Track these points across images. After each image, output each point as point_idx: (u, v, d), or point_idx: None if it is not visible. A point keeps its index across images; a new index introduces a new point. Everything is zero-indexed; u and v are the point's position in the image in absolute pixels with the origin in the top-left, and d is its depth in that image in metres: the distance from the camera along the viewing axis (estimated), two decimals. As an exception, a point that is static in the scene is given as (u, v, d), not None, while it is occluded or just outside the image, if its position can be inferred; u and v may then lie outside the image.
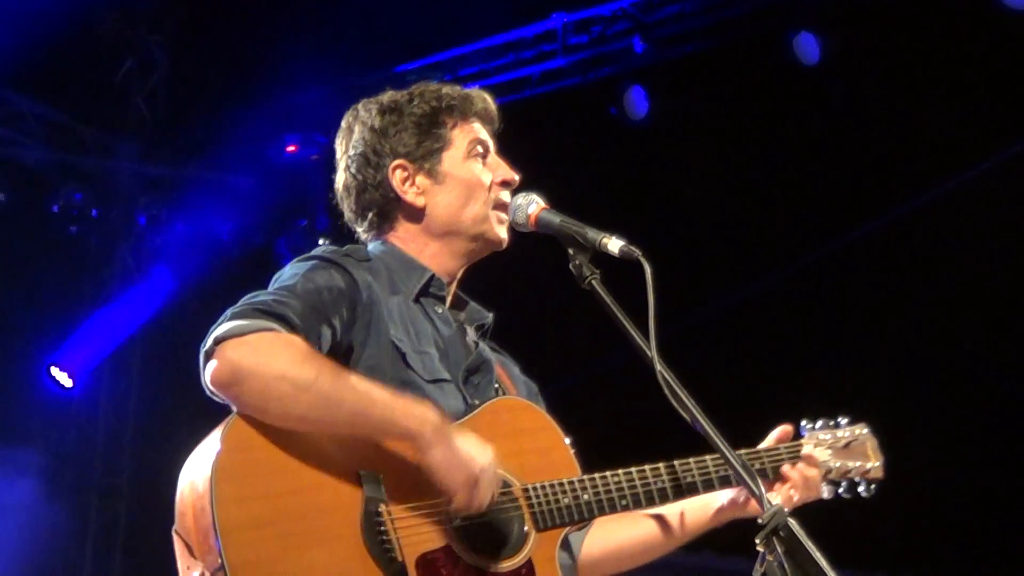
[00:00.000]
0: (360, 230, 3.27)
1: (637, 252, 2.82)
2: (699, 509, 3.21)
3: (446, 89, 3.25)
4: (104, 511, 9.46)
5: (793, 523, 2.47)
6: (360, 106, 3.30)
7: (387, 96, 3.26)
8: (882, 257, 8.79)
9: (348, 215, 3.30)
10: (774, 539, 2.46)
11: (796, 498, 3.17)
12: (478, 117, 3.23)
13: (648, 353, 2.72)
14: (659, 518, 3.22)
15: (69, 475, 9.44)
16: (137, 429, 9.58)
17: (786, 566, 2.43)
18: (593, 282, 2.89)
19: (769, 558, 2.46)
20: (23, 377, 9.08)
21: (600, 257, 2.91)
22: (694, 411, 2.69)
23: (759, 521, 2.50)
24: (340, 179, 3.33)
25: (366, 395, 2.72)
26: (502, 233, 3.16)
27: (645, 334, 2.73)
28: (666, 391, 2.71)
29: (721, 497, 3.20)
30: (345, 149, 3.31)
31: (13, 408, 8.97)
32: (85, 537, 9.40)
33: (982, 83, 7.85)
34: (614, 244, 2.87)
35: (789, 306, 8.96)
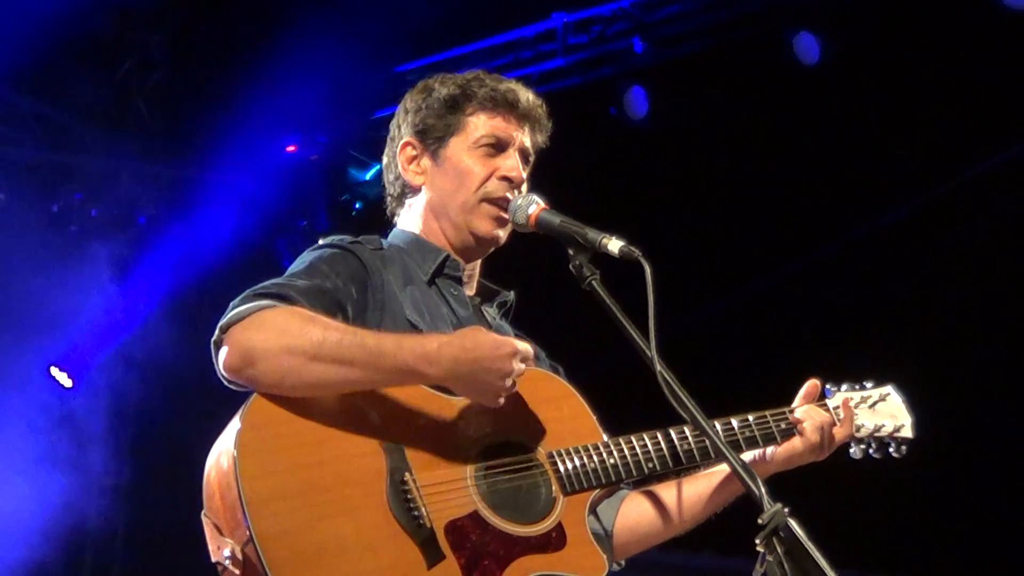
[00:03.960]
0: (388, 207, 3.32)
1: (637, 252, 2.82)
2: (725, 467, 3.14)
3: (480, 77, 3.25)
4: (104, 511, 9.46)
5: (793, 523, 2.48)
6: (417, 84, 3.33)
7: (431, 77, 3.30)
8: (882, 258, 8.79)
9: (387, 190, 3.34)
10: (774, 539, 2.46)
11: (811, 438, 3.15)
12: (505, 110, 3.20)
13: (648, 353, 2.72)
14: (690, 483, 3.21)
15: (68, 475, 9.43)
16: (137, 429, 9.58)
17: (786, 566, 2.43)
18: (593, 282, 2.89)
19: (769, 558, 2.46)
20: (23, 377, 9.07)
21: (600, 257, 2.91)
22: (694, 411, 2.70)
23: (759, 521, 2.50)
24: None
25: (375, 346, 2.73)
26: (492, 228, 3.15)
27: (645, 334, 2.73)
28: (666, 391, 2.71)
29: (750, 454, 3.18)
30: (391, 127, 3.34)
31: (13, 408, 8.96)
32: (85, 537, 9.40)
33: (982, 83, 7.85)
34: (614, 244, 2.87)
35: (789, 306, 8.96)
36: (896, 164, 8.34)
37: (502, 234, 3.17)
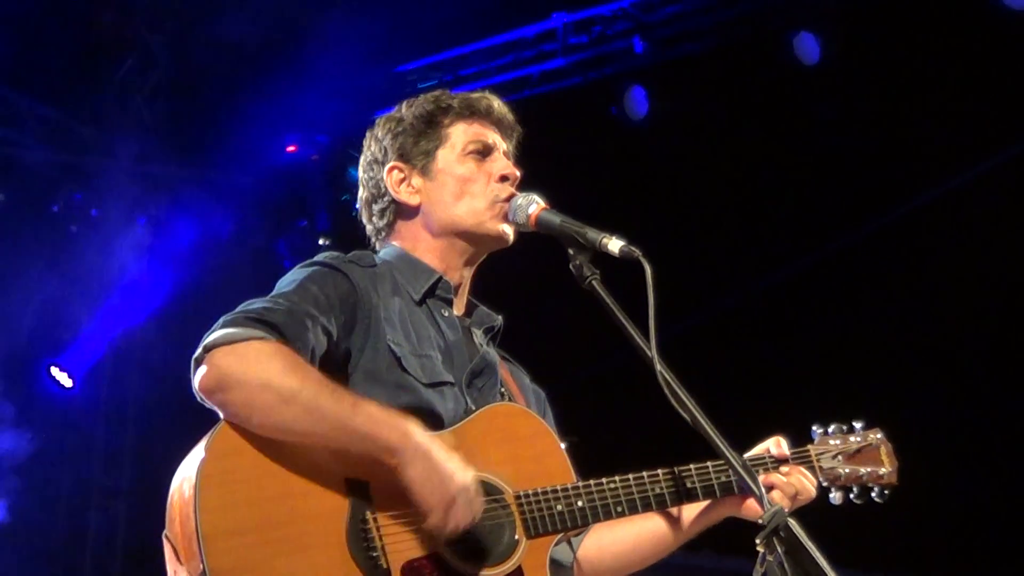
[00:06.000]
0: (373, 237, 3.31)
1: (637, 252, 2.82)
2: (694, 507, 3.16)
3: (446, 92, 3.30)
4: (104, 511, 9.46)
5: (793, 523, 2.47)
6: (376, 120, 3.34)
7: (397, 106, 3.31)
8: (882, 257, 8.78)
9: (367, 227, 3.33)
10: (774, 539, 2.46)
11: (784, 504, 3.08)
12: (481, 117, 3.24)
13: (648, 353, 2.71)
14: (654, 519, 3.19)
15: (69, 475, 9.43)
16: (137, 429, 9.58)
17: (786, 566, 2.43)
18: (593, 282, 2.89)
19: (769, 558, 2.46)
20: (23, 377, 9.07)
21: (600, 257, 2.91)
22: (694, 411, 2.69)
23: (759, 521, 2.50)
24: (359, 194, 3.36)
25: (349, 408, 2.70)
26: (503, 228, 3.15)
27: (645, 334, 2.73)
28: (666, 391, 2.71)
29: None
30: (361, 164, 3.34)
31: (13, 408, 8.96)
32: (85, 537, 9.40)
33: (982, 83, 7.85)
34: (614, 244, 2.86)
35: (789, 306, 8.96)
36: (896, 164, 8.34)
37: (511, 232, 3.17)
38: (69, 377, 9.17)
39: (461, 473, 2.69)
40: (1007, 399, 8.36)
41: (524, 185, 3.22)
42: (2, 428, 8.85)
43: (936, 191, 8.29)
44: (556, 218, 3.02)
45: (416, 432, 2.70)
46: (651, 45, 8.34)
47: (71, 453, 9.45)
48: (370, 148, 3.29)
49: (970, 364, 8.38)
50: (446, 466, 2.68)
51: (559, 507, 2.89)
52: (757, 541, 2.48)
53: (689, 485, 3.03)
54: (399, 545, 2.72)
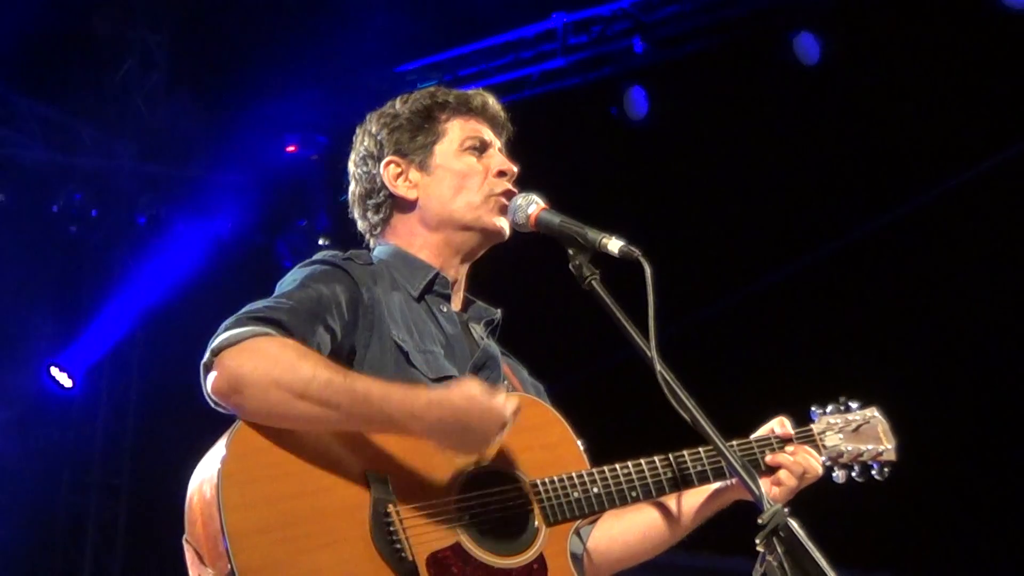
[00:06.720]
0: (367, 234, 3.30)
1: (637, 252, 2.81)
2: (699, 492, 3.17)
3: (441, 88, 3.31)
4: (104, 511, 9.46)
5: (793, 523, 2.47)
6: (368, 116, 3.33)
7: (389, 102, 3.31)
8: (881, 257, 8.79)
9: (359, 223, 3.32)
10: (774, 539, 2.46)
11: (792, 483, 3.12)
12: (476, 114, 3.24)
13: (648, 353, 2.71)
14: (662, 507, 3.20)
15: (69, 475, 9.44)
16: (137, 429, 9.58)
17: (786, 566, 2.43)
18: (593, 282, 2.88)
19: (769, 558, 2.45)
20: (23, 377, 9.08)
21: (600, 257, 2.90)
22: (694, 411, 2.69)
23: (759, 521, 2.49)
24: (350, 189, 3.34)
25: (363, 393, 2.70)
26: (499, 222, 3.15)
27: (645, 334, 2.73)
28: (666, 391, 2.70)
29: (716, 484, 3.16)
30: (353, 159, 3.33)
31: (13, 408, 8.96)
32: (85, 537, 9.40)
33: (982, 83, 7.85)
34: (614, 244, 2.86)
35: (789, 306, 8.97)
36: (896, 164, 8.34)
37: (507, 226, 3.17)
38: (69, 377, 9.17)
39: (471, 391, 2.71)
40: (1006, 398, 8.37)
41: (524, 185, 3.22)
42: (2, 428, 8.85)
43: (936, 190, 8.29)
44: (556, 218, 3.01)
45: (422, 399, 2.71)
46: (651, 45, 8.35)
47: (71, 453, 9.45)
48: (363, 143, 3.28)
49: (970, 362, 8.38)
50: (468, 416, 2.70)
51: (575, 494, 2.90)
52: (757, 541, 2.48)
53: (700, 468, 3.04)
54: (422, 537, 2.73)
